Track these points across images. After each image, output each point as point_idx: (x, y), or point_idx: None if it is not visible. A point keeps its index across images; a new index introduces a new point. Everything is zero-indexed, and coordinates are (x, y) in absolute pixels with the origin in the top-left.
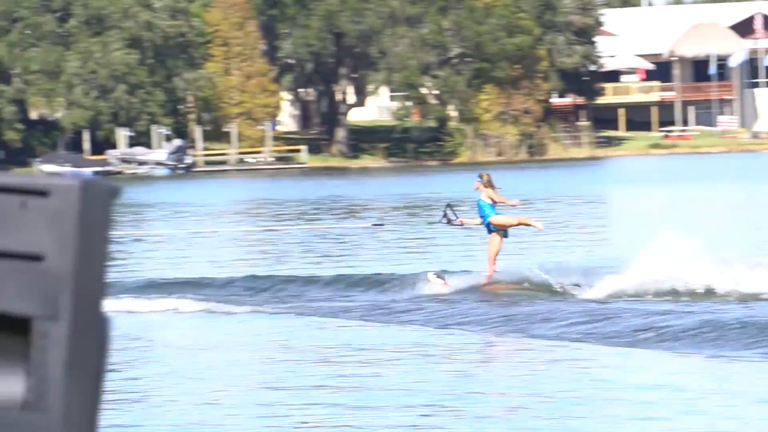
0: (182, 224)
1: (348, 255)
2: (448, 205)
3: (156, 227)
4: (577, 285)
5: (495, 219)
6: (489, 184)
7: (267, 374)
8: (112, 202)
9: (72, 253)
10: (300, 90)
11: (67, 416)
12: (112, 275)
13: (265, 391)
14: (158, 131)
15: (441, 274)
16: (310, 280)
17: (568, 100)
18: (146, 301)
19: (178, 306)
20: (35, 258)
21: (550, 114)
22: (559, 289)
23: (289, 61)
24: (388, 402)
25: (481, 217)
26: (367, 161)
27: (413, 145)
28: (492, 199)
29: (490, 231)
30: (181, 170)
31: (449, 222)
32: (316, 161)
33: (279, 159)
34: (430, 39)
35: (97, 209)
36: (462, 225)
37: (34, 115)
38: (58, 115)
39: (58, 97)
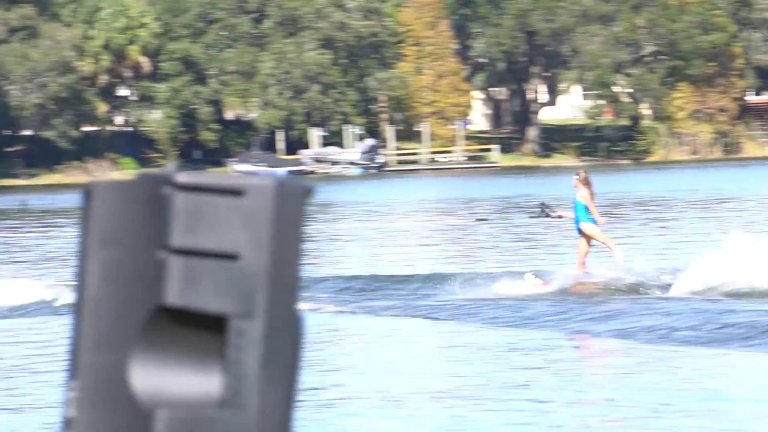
0: (373, 223)
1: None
2: (543, 203)
3: (348, 226)
4: (668, 285)
5: (585, 227)
6: (586, 182)
7: (442, 377)
8: (305, 202)
9: (266, 251)
10: (492, 89)
11: (262, 414)
12: (305, 273)
13: (444, 392)
14: (351, 131)
15: (539, 274)
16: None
17: (765, 97)
18: (326, 303)
19: (353, 306)
20: (231, 257)
21: (745, 112)
22: (647, 289)
23: (481, 60)
24: (560, 399)
25: (575, 215)
26: (558, 160)
27: (606, 144)
28: (586, 202)
29: (579, 233)
30: (373, 170)
31: (548, 216)
32: (508, 160)
33: (470, 158)
34: (624, 37)
35: (290, 208)
36: (561, 218)
37: (229, 115)
38: (253, 115)
39: (252, 97)
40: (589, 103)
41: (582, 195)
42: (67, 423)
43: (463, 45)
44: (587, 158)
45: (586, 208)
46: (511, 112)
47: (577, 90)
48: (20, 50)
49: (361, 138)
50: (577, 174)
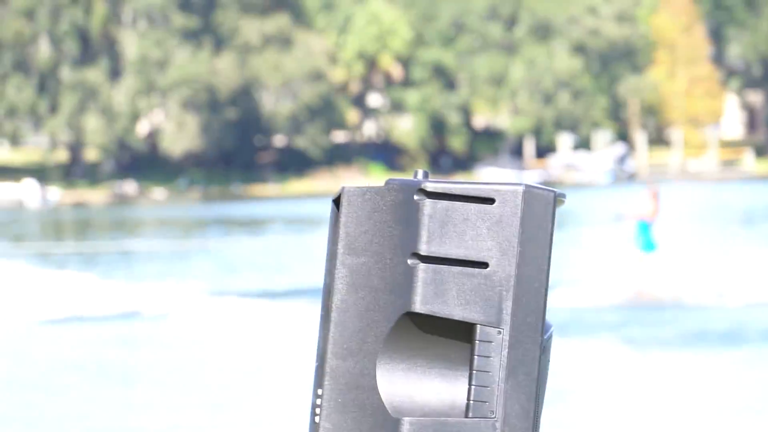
0: (616, 230)
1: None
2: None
3: (595, 234)
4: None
5: (637, 250)
6: (653, 198)
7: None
8: (554, 208)
9: (514, 259)
10: (746, 94)
11: (507, 422)
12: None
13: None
14: (600, 137)
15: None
16: None
17: None
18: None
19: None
20: (479, 264)
21: None
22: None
23: (736, 65)
24: None
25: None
26: None
27: None
28: (642, 216)
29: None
30: (624, 176)
31: (621, 218)
32: (763, 166)
33: (723, 165)
34: None
35: (540, 215)
36: (631, 220)
37: (478, 122)
38: (502, 121)
39: (502, 103)
40: None
41: (647, 209)
42: (314, 428)
43: (718, 50)
44: None
45: (646, 225)
46: (766, 118)
47: None
48: (274, 59)
49: (611, 144)
50: (647, 188)
